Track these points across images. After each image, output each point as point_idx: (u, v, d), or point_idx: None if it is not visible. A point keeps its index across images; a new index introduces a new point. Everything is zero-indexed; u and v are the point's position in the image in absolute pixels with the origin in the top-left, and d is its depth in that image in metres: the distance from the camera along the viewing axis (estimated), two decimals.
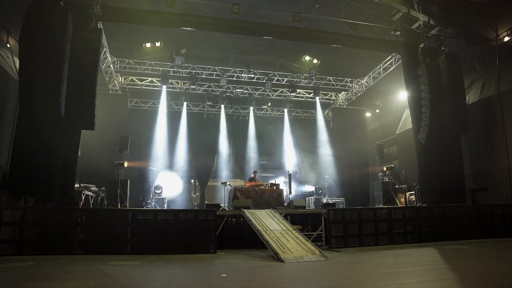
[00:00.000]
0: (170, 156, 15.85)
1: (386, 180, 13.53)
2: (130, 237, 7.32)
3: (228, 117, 17.35)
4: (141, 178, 14.33)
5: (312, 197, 15.84)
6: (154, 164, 14.99)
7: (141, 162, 14.57)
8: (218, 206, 9.69)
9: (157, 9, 11.04)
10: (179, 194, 15.51)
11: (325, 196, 15.38)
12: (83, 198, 10.71)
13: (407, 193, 14.13)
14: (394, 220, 8.63)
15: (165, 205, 13.69)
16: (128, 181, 11.58)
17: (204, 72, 15.33)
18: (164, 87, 15.45)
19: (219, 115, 17.12)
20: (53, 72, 7.82)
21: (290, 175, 13.79)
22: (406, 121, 15.29)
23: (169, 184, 15.22)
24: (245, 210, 8.56)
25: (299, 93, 17.22)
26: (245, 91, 16.99)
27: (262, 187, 12.13)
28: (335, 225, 8.23)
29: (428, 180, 11.26)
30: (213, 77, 15.57)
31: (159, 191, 14.13)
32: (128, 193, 11.41)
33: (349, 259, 6.69)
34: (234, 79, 15.81)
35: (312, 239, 8.03)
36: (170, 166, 15.83)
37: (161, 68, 14.93)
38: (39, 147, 8.14)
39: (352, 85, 16.79)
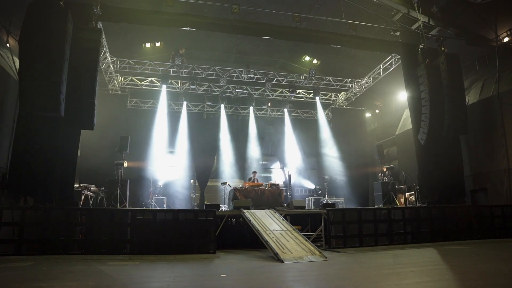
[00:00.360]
0: (169, 156, 15.84)
1: (386, 181, 13.52)
2: (129, 237, 7.33)
3: (228, 117, 17.30)
4: (141, 178, 14.32)
5: (312, 197, 15.84)
6: (154, 164, 14.98)
7: (140, 162, 14.56)
8: (217, 206, 9.69)
9: (157, 9, 11.05)
10: (179, 194, 15.49)
11: (325, 196, 15.37)
12: (82, 198, 10.70)
13: (407, 194, 14.13)
14: (394, 221, 8.65)
15: (165, 205, 13.69)
16: (128, 181, 11.58)
17: (204, 72, 15.32)
18: (164, 87, 15.43)
19: (219, 115, 17.08)
20: (53, 72, 7.81)
21: (289, 176, 13.79)
22: (406, 121, 15.30)
23: (168, 184, 15.22)
24: (245, 210, 8.57)
25: (298, 93, 17.21)
26: (245, 91, 16.98)
27: (262, 187, 12.13)
28: (335, 226, 8.24)
29: (427, 180, 11.25)
30: (213, 77, 15.56)
31: (158, 191, 14.14)
32: (127, 193, 11.40)
33: (348, 259, 6.69)
34: (234, 79, 15.80)
35: (311, 240, 8.03)
36: (170, 166, 15.82)
37: (160, 68, 14.92)
38: (39, 147, 8.14)
39: (352, 86, 16.78)
